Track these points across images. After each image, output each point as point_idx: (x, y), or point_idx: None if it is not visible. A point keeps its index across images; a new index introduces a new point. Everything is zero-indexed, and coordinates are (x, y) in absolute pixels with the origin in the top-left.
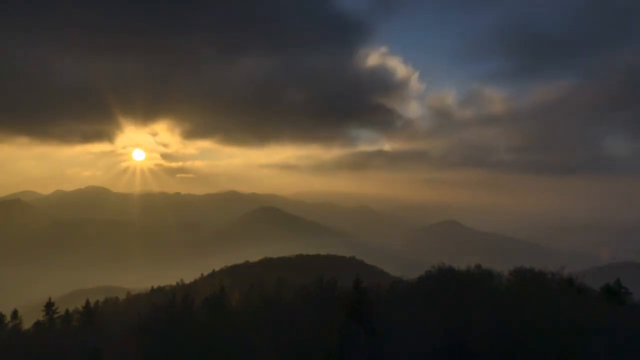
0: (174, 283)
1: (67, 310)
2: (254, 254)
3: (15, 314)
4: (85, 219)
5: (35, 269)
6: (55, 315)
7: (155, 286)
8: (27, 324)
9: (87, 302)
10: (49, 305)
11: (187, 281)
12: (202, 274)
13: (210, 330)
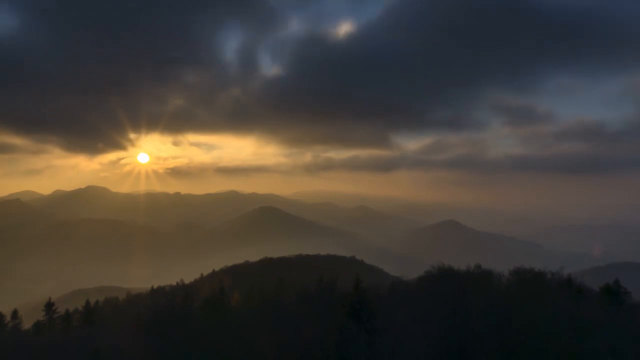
0: (174, 283)
1: (67, 310)
2: (254, 254)
3: (15, 314)
4: (85, 219)
5: (35, 269)
6: (55, 315)
7: (155, 286)
8: (27, 324)
9: (87, 302)
10: (49, 305)
11: (187, 281)
12: (202, 274)
13: (210, 331)
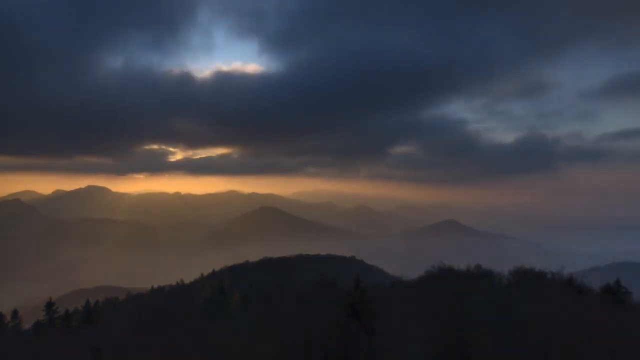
0: (174, 283)
1: (67, 310)
2: (254, 254)
3: (15, 314)
4: (85, 219)
5: (34, 269)
6: (55, 315)
7: (155, 286)
8: (27, 324)
9: (87, 302)
10: (49, 305)
11: (187, 281)
12: (202, 274)
13: (210, 331)
